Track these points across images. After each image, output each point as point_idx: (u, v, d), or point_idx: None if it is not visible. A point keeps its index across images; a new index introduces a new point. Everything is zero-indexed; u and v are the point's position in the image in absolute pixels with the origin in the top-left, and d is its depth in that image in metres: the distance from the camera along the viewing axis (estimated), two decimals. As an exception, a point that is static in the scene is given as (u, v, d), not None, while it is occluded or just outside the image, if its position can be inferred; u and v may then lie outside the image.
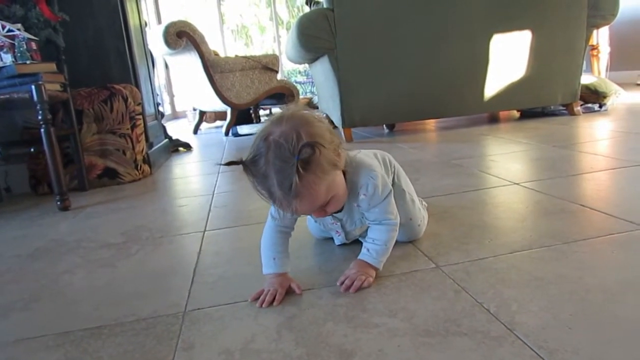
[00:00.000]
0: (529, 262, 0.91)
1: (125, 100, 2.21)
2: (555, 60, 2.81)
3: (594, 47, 4.16)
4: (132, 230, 1.43)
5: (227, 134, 3.90)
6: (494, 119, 3.22)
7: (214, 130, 4.60)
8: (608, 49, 4.24)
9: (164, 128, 3.19)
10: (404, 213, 1.02)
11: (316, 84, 3.22)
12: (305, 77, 7.90)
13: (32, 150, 1.85)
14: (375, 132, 3.17)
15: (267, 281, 0.90)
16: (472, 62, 2.74)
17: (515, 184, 1.50)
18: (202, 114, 4.53)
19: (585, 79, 3.00)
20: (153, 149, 2.58)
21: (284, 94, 4.07)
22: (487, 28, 2.71)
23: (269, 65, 3.97)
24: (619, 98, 3.10)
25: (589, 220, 1.12)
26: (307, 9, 3.10)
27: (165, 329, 0.80)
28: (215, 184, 1.97)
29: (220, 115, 4.95)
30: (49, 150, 1.77)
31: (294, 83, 5.23)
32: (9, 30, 1.76)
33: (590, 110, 3.00)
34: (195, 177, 2.26)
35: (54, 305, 0.96)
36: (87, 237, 1.41)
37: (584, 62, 2.90)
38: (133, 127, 2.26)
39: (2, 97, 1.75)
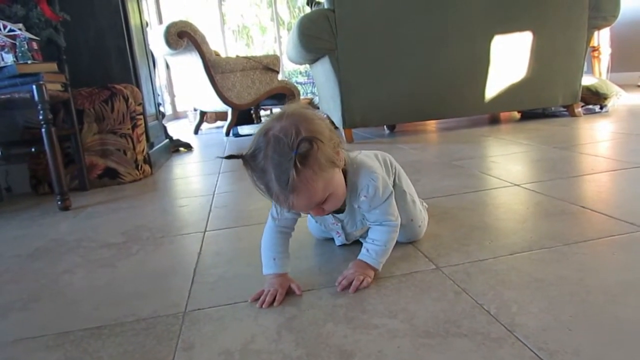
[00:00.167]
0: (530, 263, 0.91)
1: (126, 100, 2.22)
2: (556, 61, 2.81)
3: (594, 49, 4.16)
4: (133, 230, 1.43)
5: (227, 134, 3.90)
6: (494, 120, 3.22)
7: (215, 130, 4.60)
8: (609, 50, 4.24)
9: (164, 128, 3.19)
10: (405, 214, 1.02)
11: (317, 84, 3.22)
12: (306, 78, 7.90)
13: (33, 150, 1.85)
14: (375, 133, 3.17)
15: (267, 282, 0.90)
16: (472, 63, 2.74)
17: (515, 185, 1.50)
18: (203, 114, 4.53)
19: (586, 80, 2.99)
20: (154, 149, 2.58)
21: (284, 95, 4.07)
22: (487, 29, 2.71)
23: (269, 65, 3.97)
24: (620, 99, 3.09)
25: (589, 222, 1.12)
26: (308, 10, 3.10)
27: (165, 329, 0.80)
28: (216, 185, 1.97)
29: (221, 116, 4.96)
30: (50, 150, 1.77)
31: (295, 83, 5.24)
32: (10, 30, 1.77)
33: (591, 112, 3.00)
34: (196, 178, 2.26)
35: (53, 305, 0.96)
36: (88, 237, 1.41)
37: (585, 64, 2.89)
38: (134, 127, 2.26)
39: (3, 96, 1.75)
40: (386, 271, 0.93)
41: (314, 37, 2.55)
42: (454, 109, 2.86)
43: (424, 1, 2.63)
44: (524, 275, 0.85)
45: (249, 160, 0.79)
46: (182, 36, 3.60)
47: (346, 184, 0.90)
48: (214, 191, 1.85)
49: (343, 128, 2.74)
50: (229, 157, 0.82)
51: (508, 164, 1.85)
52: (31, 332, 0.84)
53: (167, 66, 5.39)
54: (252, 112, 4.33)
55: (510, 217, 1.21)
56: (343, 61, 2.59)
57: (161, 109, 3.26)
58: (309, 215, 1.04)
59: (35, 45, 1.84)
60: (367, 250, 0.92)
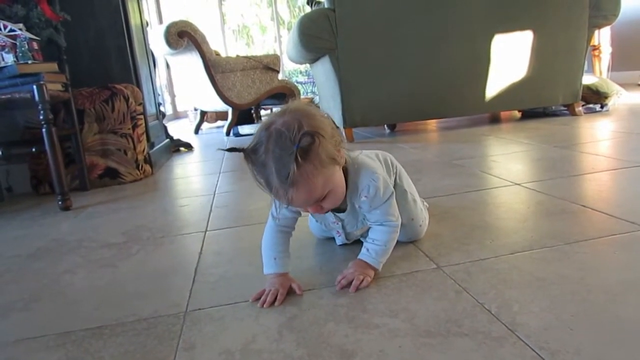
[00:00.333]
0: (531, 262, 0.91)
1: (127, 100, 2.22)
2: (557, 60, 2.80)
3: (595, 48, 4.15)
4: (133, 230, 1.43)
5: (228, 134, 3.90)
6: (495, 119, 3.21)
7: (215, 130, 4.60)
8: (609, 49, 4.23)
9: (165, 128, 3.19)
10: (406, 213, 1.02)
11: (317, 84, 3.22)
12: (306, 77, 7.90)
13: (33, 150, 1.85)
14: (376, 132, 3.17)
15: (268, 281, 0.90)
16: (473, 62, 2.74)
17: (516, 184, 1.50)
18: (203, 114, 4.53)
19: (587, 79, 2.99)
20: (154, 149, 2.58)
21: (285, 94, 4.07)
22: (488, 28, 2.71)
23: (270, 65, 3.97)
24: (621, 98, 3.09)
25: (590, 221, 1.12)
26: (308, 9, 3.10)
27: (166, 329, 0.80)
28: (217, 184, 1.97)
29: (222, 115, 4.96)
30: (51, 150, 1.77)
31: (295, 83, 5.24)
32: (11, 30, 1.77)
33: (592, 111, 3.00)
34: (197, 177, 2.26)
35: (54, 305, 0.96)
36: (88, 237, 1.41)
37: (586, 63, 2.89)
38: (134, 127, 2.26)
39: (3, 97, 1.75)
40: (387, 270, 0.92)
41: (314, 37, 2.55)
42: (454, 108, 2.86)
43: (425, 1, 2.63)
44: (525, 275, 0.85)
45: (250, 153, 0.79)
46: (183, 36, 3.60)
47: (347, 184, 0.90)
48: (215, 191, 1.85)
49: (343, 127, 2.74)
50: (231, 149, 0.82)
51: (509, 163, 1.85)
52: (32, 332, 0.84)
53: (168, 66, 5.39)
54: (252, 111, 4.34)
55: (511, 216, 1.21)
56: (343, 61, 2.59)
57: (161, 108, 3.27)
58: (310, 215, 1.05)
59: (35, 45, 1.85)
60: (367, 250, 0.92)
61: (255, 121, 4.31)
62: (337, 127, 0.86)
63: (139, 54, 2.60)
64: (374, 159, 0.99)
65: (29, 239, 1.46)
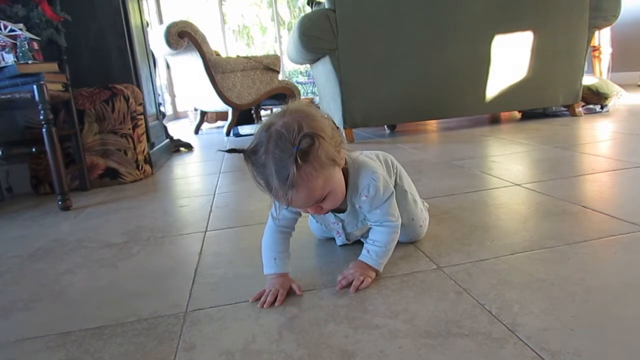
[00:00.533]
0: (531, 263, 0.91)
1: (127, 100, 2.22)
2: (557, 61, 2.81)
3: (595, 48, 4.15)
4: (134, 230, 1.43)
5: (228, 134, 3.90)
6: (495, 120, 3.21)
7: (215, 130, 4.60)
8: (610, 50, 4.23)
9: (165, 128, 3.19)
10: (406, 213, 1.02)
11: (317, 84, 3.22)
12: (306, 78, 7.91)
13: (33, 150, 1.85)
14: (376, 133, 3.17)
15: (268, 282, 0.90)
16: (473, 63, 2.74)
17: (516, 185, 1.50)
18: (204, 114, 4.53)
19: (587, 80, 2.99)
20: (154, 149, 2.58)
21: (285, 95, 4.08)
22: (488, 29, 2.71)
23: (270, 65, 3.97)
24: (621, 99, 3.09)
25: (590, 222, 1.12)
26: (308, 10, 3.09)
27: (167, 330, 0.80)
28: (217, 185, 1.97)
29: (222, 116, 4.96)
30: (51, 150, 1.77)
31: (296, 83, 5.23)
32: (11, 30, 1.77)
33: (592, 112, 3.00)
34: (197, 178, 2.26)
35: (55, 305, 0.95)
36: (88, 237, 1.41)
37: (586, 63, 2.89)
38: (134, 127, 2.26)
39: (4, 96, 1.75)
40: (387, 271, 0.92)
41: (315, 37, 2.55)
42: (454, 109, 2.86)
43: (425, 2, 2.63)
44: (525, 275, 0.85)
45: (250, 154, 0.79)
46: (183, 36, 3.60)
47: (347, 184, 0.90)
48: (215, 191, 1.85)
49: (344, 128, 2.74)
50: (230, 150, 0.82)
51: (509, 164, 1.85)
52: (32, 332, 0.84)
53: (168, 66, 5.39)
54: (252, 112, 4.34)
55: (511, 217, 1.21)
56: (344, 61, 2.59)
57: (162, 109, 3.27)
58: (310, 216, 1.05)
59: (36, 46, 1.85)
60: (368, 252, 0.92)
61: (256, 121, 4.31)
62: (337, 128, 0.86)
63: (139, 54, 2.60)
64: (374, 159, 0.99)
65: (29, 239, 1.46)
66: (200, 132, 4.45)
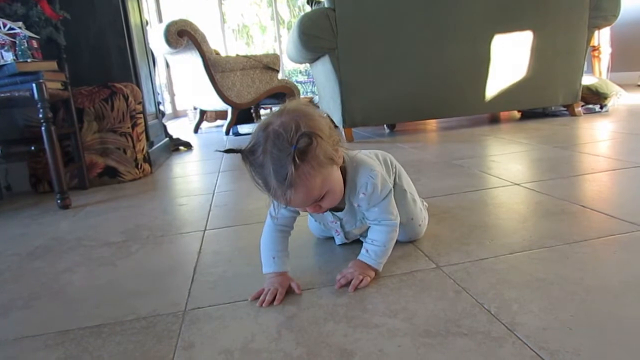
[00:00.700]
0: (530, 262, 0.91)
1: (126, 99, 2.21)
2: (557, 60, 2.81)
3: (595, 48, 4.16)
4: (133, 229, 1.43)
5: (227, 133, 3.90)
6: (494, 120, 3.21)
7: (215, 129, 4.60)
8: (609, 50, 4.23)
9: (164, 127, 3.19)
10: (405, 213, 1.02)
11: (317, 83, 3.22)
12: (306, 77, 7.90)
13: (32, 148, 1.85)
14: (376, 132, 3.17)
15: (267, 280, 0.90)
16: (473, 62, 2.74)
17: (516, 184, 1.50)
18: (203, 113, 4.53)
19: (586, 80, 2.99)
20: (154, 147, 2.58)
21: (284, 94, 4.07)
22: (488, 28, 2.71)
23: (269, 64, 3.97)
24: (620, 99, 3.09)
25: (589, 221, 1.12)
26: (308, 9, 3.09)
27: (165, 328, 0.80)
28: (216, 183, 1.97)
29: (221, 115, 4.95)
30: (50, 149, 1.77)
31: (295, 83, 5.23)
32: (10, 29, 1.76)
33: (591, 111, 3.00)
34: (196, 176, 2.26)
35: (54, 303, 0.95)
36: (88, 235, 1.41)
37: (585, 63, 2.89)
38: (134, 125, 2.26)
39: (3, 95, 1.75)
40: (386, 270, 0.92)
41: (314, 36, 2.55)
42: (454, 108, 2.86)
43: (425, 1, 2.63)
44: (525, 275, 0.85)
45: (247, 154, 0.80)
46: (182, 35, 3.59)
47: (345, 182, 0.90)
48: (214, 190, 1.85)
49: (343, 127, 2.74)
50: (228, 151, 0.83)
51: (508, 163, 1.85)
52: (31, 330, 0.84)
53: (167, 65, 5.38)
54: (252, 111, 4.33)
55: (510, 216, 1.21)
56: (343, 60, 2.59)
57: (161, 107, 3.26)
58: (309, 215, 1.04)
59: (35, 44, 1.84)
60: (367, 251, 0.92)
61: (255, 120, 4.30)
62: (337, 127, 0.86)
63: (139, 53, 2.60)
64: (372, 157, 0.99)
65: (28, 237, 1.46)
66: (199, 131, 4.44)
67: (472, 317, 0.73)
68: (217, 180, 2.05)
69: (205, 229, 1.35)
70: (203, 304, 0.87)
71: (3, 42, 1.74)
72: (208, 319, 0.82)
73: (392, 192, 0.94)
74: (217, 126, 4.83)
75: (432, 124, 3.35)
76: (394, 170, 1.05)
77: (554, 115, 3.04)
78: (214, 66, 3.73)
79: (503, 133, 2.62)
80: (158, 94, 3.28)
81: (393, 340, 0.69)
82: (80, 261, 1.18)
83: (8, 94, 1.75)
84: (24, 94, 1.74)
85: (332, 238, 1.11)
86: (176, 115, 7.01)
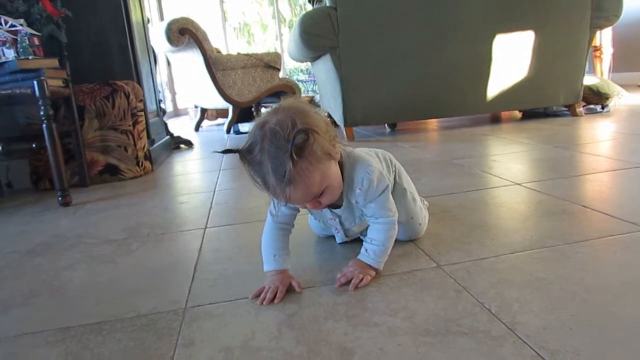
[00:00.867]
0: (531, 262, 0.91)
1: (127, 96, 2.21)
2: (558, 61, 2.80)
3: (596, 48, 4.15)
4: (133, 226, 1.43)
5: (228, 131, 3.90)
6: (496, 119, 3.21)
7: (216, 127, 4.60)
8: (611, 50, 4.23)
9: (165, 125, 3.19)
10: (405, 211, 1.01)
11: (318, 82, 3.22)
12: (307, 76, 7.90)
13: (33, 146, 1.85)
14: (376, 131, 3.16)
15: (267, 278, 0.90)
16: (474, 62, 2.74)
17: (516, 184, 1.50)
18: (204, 111, 4.53)
19: (588, 80, 2.99)
20: (154, 145, 2.57)
21: (285, 92, 4.07)
22: (490, 28, 2.70)
23: (271, 63, 3.96)
24: (622, 99, 3.09)
25: (590, 221, 1.12)
26: (309, 7, 3.09)
27: (166, 326, 0.80)
28: (217, 182, 1.97)
29: (222, 113, 4.95)
30: (51, 146, 1.77)
31: (296, 81, 5.23)
32: (12, 26, 1.76)
33: (593, 111, 3.00)
34: (197, 174, 2.26)
35: (54, 300, 0.96)
36: (88, 233, 1.41)
37: (587, 63, 2.89)
38: (135, 123, 2.26)
39: (4, 92, 1.75)
40: (387, 269, 0.92)
41: (316, 35, 2.55)
42: (455, 108, 2.86)
43: (425, 1, 2.62)
44: (525, 274, 0.85)
45: (245, 154, 0.80)
46: (184, 33, 3.59)
47: (343, 178, 0.90)
48: (215, 188, 1.85)
49: (344, 126, 2.74)
50: (226, 151, 0.83)
51: (509, 163, 1.85)
52: (32, 327, 0.84)
53: (168, 63, 5.38)
54: (253, 109, 4.33)
55: (511, 216, 1.21)
56: (344, 59, 2.59)
57: (162, 105, 3.26)
58: (309, 213, 1.04)
59: (36, 41, 1.84)
60: (366, 251, 0.92)
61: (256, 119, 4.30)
62: (337, 126, 0.86)
63: (140, 51, 2.60)
64: (371, 154, 0.99)
65: (28, 234, 1.46)
66: (200, 129, 4.44)
67: (473, 317, 0.73)
68: (217, 178, 2.05)
69: (205, 227, 1.35)
70: (203, 302, 0.87)
71: (4, 39, 1.75)
72: (208, 316, 0.82)
73: (390, 189, 0.94)
74: (218, 124, 4.83)
75: (433, 123, 3.35)
76: (394, 169, 1.05)
77: (555, 115, 3.03)
78: (215, 64, 3.73)
79: (504, 133, 2.62)
80: (159, 91, 3.28)
81: (393, 339, 0.69)
82: (80, 258, 1.19)
83: (9, 91, 1.75)
84: (25, 91, 1.74)
85: (333, 237, 1.11)
86: (177, 113, 7.01)
